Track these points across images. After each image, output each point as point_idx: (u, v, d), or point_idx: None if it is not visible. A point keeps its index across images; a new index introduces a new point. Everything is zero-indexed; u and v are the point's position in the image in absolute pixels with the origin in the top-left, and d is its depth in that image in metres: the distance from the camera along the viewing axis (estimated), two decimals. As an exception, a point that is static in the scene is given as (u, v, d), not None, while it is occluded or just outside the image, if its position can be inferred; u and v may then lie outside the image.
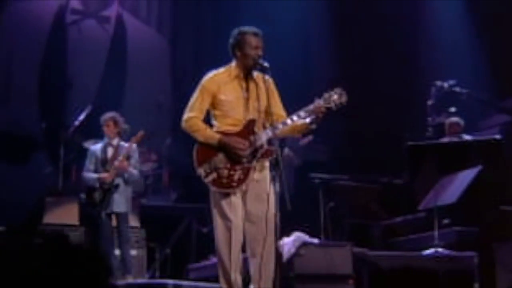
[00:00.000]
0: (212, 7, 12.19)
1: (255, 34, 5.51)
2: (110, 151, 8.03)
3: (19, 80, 11.29)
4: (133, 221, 9.20)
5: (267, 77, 5.53)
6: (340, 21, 11.35)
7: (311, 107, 5.34)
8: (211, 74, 5.58)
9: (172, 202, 10.37)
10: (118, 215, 7.95)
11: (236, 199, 5.32)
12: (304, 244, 7.10)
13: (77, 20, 11.80)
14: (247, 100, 5.40)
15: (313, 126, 5.50)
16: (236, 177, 5.28)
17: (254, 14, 11.39)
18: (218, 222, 5.38)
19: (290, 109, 5.62)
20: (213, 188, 5.36)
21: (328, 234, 8.65)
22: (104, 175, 7.91)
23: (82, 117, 9.71)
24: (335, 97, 5.36)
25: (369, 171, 9.61)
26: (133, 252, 8.97)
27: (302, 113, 5.37)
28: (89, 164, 8.13)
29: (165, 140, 10.60)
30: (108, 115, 8.04)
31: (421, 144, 8.95)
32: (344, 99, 5.39)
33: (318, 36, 11.67)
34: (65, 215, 8.95)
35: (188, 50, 12.28)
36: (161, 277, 8.97)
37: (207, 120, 5.57)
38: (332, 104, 5.35)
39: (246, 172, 5.29)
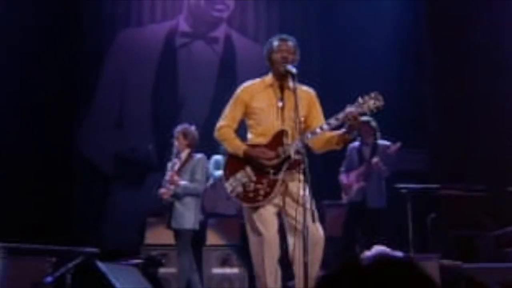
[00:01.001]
0: (319, 21, 12.05)
1: (281, 39, 5.40)
2: (177, 165, 7.90)
3: (132, 104, 11.58)
4: (234, 239, 9.17)
5: (306, 87, 5.39)
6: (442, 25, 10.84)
7: (342, 114, 5.05)
8: (245, 84, 5.48)
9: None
10: (177, 231, 7.74)
11: (266, 212, 5.14)
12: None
13: (187, 42, 11.99)
14: (281, 109, 5.21)
15: (350, 136, 5.22)
16: (262, 191, 5.10)
17: (361, 30, 11.24)
18: (250, 237, 5.23)
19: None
20: (240, 203, 5.21)
21: (428, 246, 8.23)
22: (161, 190, 7.78)
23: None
24: (371, 102, 5.04)
25: (476, 179, 9.04)
26: (235, 271, 8.93)
27: (332, 121, 5.10)
28: (164, 179, 7.98)
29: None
30: (179, 128, 7.94)
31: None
32: (380, 103, 5.06)
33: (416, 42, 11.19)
34: (165, 235, 8.97)
35: (298, 66, 12.12)
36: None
37: (243, 133, 5.44)
38: (367, 109, 5.04)
39: (273, 185, 5.09)
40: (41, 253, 7.52)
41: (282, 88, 5.33)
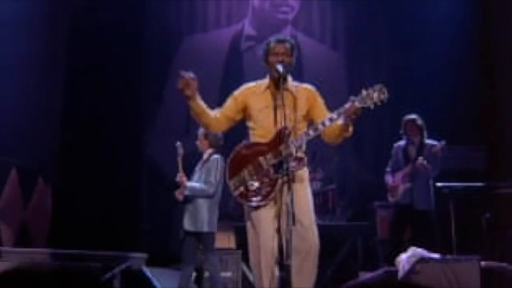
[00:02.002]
0: (387, 21, 11.85)
1: (278, 41, 5.32)
2: (199, 166, 7.82)
3: (199, 109, 11.62)
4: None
5: (307, 85, 5.31)
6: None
7: (345, 107, 4.93)
8: (244, 85, 5.49)
9: (338, 221, 10.03)
10: (194, 233, 7.58)
11: (265, 213, 5.06)
12: (422, 259, 6.54)
13: (252, 46, 11.96)
14: (279, 110, 5.09)
15: (350, 128, 5.09)
16: (263, 190, 5.04)
17: (424, 29, 11.00)
18: (249, 237, 5.17)
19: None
20: (242, 202, 5.15)
21: (483, 248, 7.90)
22: (176, 191, 7.66)
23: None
24: (375, 94, 4.89)
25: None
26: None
27: (334, 115, 5.00)
28: None
29: (332, 158, 10.32)
30: (202, 129, 7.87)
31: None
32: (384, 96, 4.91)
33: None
34: (222, 239, 8.98)
35: (365, 65, 11.96)
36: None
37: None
38: (370, 103, 4.89)
39: (274, 184, 5.01)
40: (87, 259, 7.65)
41: (279, 88, 5.20)
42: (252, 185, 5.07)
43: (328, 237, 9.42)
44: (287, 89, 5.17)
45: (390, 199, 8.35)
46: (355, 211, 10.25)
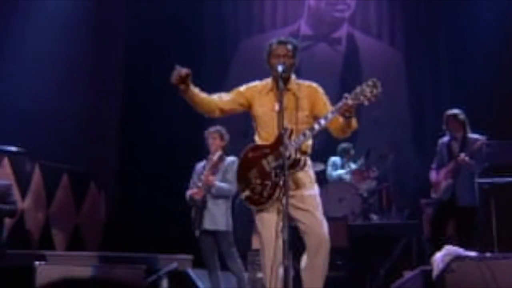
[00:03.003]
0: (445, 16, 11.62)
1: (280, 43, 5.33)
2: (205, 166, 7.69)
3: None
4: (340, 241, 8.97)
5: (309, 82, 5.28)
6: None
7: (337, 106, 4.87)
8: (250, 84, 5.47)
9: (394, 220, 9.89)
10: (213, 233, 7.47)
11: (268, 215, 5.06)
12: (458, 258, 6.37)
13: (309, 45, 11.94)
14: (282, 112, 5.03)
15: (353, 122, 5.02)
16: (265, 193, 5.02)
17: (486, 24, 10.76)
18: (258, 238, 5.18)
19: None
20: (247, 205, 5.15)
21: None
22: (193, 191, 7.53)
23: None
24: (367, 90, 4.79)
25: None
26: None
27: (329, 114, 4.93)
28: (192, 181, 7.77)
29: (388, 156, 10.18)
30: (214, 128, 7.78)
31: None
32: (377, 90, 4.77)
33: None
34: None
35: (424, 62, 11.76)
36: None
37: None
38: (364, 99, 4.78)
39: (275, 186, 4.98)
40: (133, 261, 7.74)
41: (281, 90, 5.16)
42: (256, 188, 5.08)
43: (381, 236, 9.38)
44: (289, 89, 5.16)
45: (433, 195, 8.19)
46: (413, 209, 10.07)
